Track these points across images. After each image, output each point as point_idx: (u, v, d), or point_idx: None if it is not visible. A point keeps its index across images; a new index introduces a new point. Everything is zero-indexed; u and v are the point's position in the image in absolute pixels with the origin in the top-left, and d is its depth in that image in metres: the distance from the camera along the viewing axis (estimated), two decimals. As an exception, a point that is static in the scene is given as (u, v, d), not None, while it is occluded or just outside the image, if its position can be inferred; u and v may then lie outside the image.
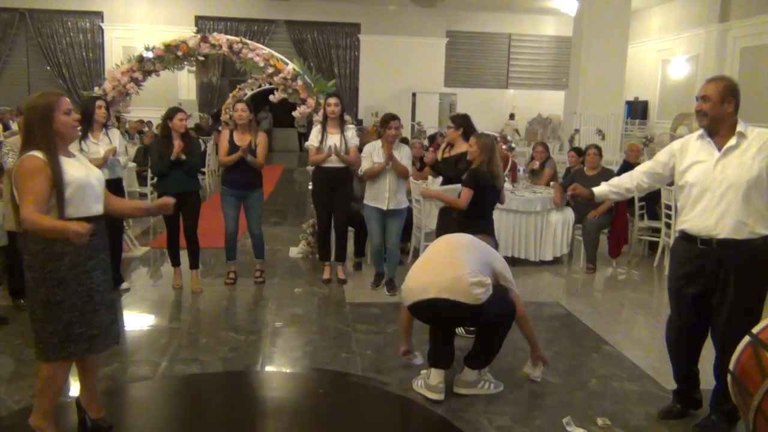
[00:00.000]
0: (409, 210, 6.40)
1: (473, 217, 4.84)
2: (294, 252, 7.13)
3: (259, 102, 15.14)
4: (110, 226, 5.48)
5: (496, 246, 4.75)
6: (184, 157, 5.50)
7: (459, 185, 4.99)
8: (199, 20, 16.17)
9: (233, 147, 5.78)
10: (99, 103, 5.52)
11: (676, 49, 14.54)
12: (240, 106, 5.86)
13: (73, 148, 5.20)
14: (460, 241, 3.95)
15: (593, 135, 11.38)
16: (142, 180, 9.10)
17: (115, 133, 5.71)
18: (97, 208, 3.02)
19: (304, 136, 19.62)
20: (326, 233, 6.25)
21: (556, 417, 3.60)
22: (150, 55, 6.51)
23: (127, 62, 6.60)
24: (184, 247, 5.82)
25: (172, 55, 6.58)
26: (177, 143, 5.50)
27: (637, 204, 7.20)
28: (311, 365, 4.30)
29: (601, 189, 3.80)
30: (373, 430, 3.60)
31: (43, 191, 2.76)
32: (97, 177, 3.05)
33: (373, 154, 5.73)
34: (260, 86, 14.29)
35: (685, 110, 13.53)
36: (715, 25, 13.10)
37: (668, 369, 3.96)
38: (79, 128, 5.28)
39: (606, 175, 6.87)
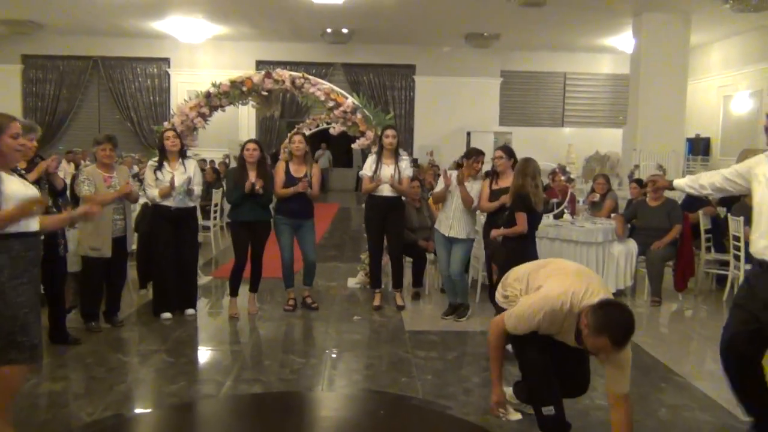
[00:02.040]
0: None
1: (524, 241, 5.04)
2: (352, 282, 7.18)
3: (316, 140, 15.51)
4: (184, 258, 5.71)
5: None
6: (261, 191, 5.64)
7: None
8: (260, 65, 16.69)
9: (289, 178, 5.92)
10: (168, 134, 5.76)
11: (738, 84, 14.25)
12: (297, 137, 6.02)
13: (149, 178, 5.48)
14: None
15: (654, 170, 11.17)
16: (205, 214, 9.37)
17: (191, 163, 5.91)
18: (34, 225, 3.15)
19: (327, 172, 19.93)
20: (377, 261, 6.30)
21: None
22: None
23: (183, 102, 6.89)
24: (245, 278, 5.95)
25: (237, 91, 6.82)
26: (252, 176, 5.65)
27: (703, 236, 7.00)
28: (371, 388, 4.29)
29: (679, 181, 3.92)
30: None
31: None
32: (35, 194, 3.16)
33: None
34: (318, 126, 14.64)
35: (749, 146, 13.17)
36: (778, 60, 12.86)
37: None
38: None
39: (670, 205, 6.75)
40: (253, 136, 16.49)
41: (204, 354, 5.03)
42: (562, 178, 7.74)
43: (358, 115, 6.79)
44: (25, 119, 4.93)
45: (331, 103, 6.83)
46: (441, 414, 3.89)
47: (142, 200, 6.25)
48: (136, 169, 10.01)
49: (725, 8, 11.36)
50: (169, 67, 16.78)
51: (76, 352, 4.83)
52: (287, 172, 5.95)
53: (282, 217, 5.98)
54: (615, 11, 12.86)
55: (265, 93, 6.84)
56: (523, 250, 5.02)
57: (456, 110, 16.69)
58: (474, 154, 5.83)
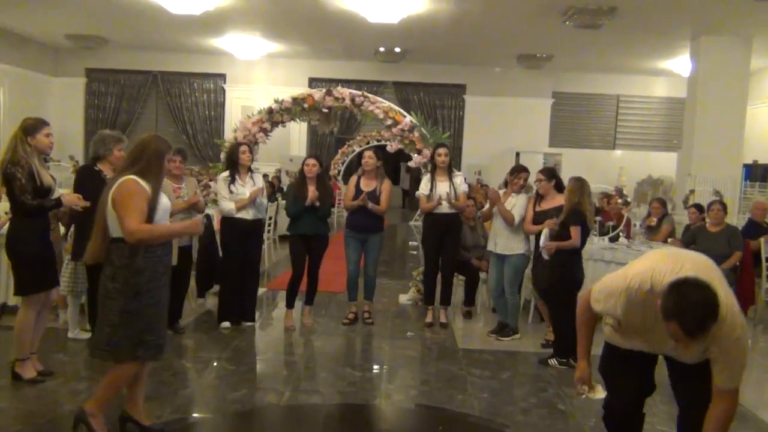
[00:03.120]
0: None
1: (574, 257, 5.21)
2: (404, 299, 7.23)
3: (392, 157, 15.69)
4: (250, 269, 5.86)
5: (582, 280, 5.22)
6: (318, 203, 5.77)
7: None
8: (313, 82, 16.99)
9: (359, 192, 6.05)
10: (243, 148, 5.95)
11: (800, 110, 13.94)
12: (368, 153, 6.14)
13: (223, 191, 5.66)
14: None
15: (709, 196, 10.96)
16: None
17: (259, 177, 6.10)
18: None
19: (407, 193, 20.04)
20: (432, 277, 6.35)
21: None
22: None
23: (246, 117, 7.08)
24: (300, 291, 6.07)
25: (298, 107, 7.00)
26: (311, 190, 5.79)
27: (765, 264, 6.85)
28: (428, 403, 4.32)
29: None
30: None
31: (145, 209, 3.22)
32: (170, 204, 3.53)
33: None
34: (368, 143, 14.83)
35: (809, 173, 12.84)
36: (843, 85, 12.52)
37: None
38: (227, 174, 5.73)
39: (730, 231, 6.65)
40: (304, 151, 16.76)
41: (263, 363, 5.14)
42: (619, 201, 7.68)
43: (416, 134, 6.89)
44: (112, 131, 5.17)
45: (389, 121, 6.95)
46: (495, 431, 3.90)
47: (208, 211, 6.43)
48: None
49: (788, 32, 11.17)
50: (224, 82, 17.19)
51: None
52: (357, 185, 6.08)
53: (350, 231, 6.10)
54: (672, 34, 12.72)
55: (325, 110, 7.00)
56: (571, 266, 5.17)
57: (505, 130, 16.67)
58: (517, 171, 5.94)
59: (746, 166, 14.16)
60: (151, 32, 14.32)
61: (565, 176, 6.41)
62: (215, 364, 4.91)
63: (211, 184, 7.10)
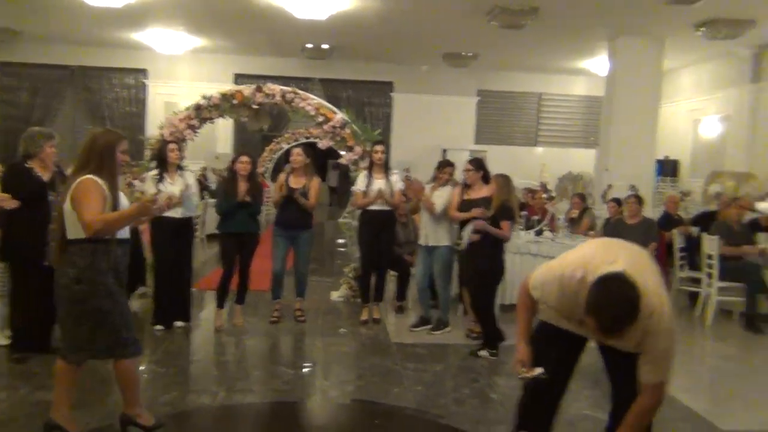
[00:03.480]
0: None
1: (498, 250, 5.46)
2: (335, 296, 7.24)
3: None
4: (181, 269, 5.73)
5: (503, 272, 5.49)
6: (249, 199, 5.70)
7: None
8: (238, 78, 16.69)
9: (287, 189, 6.02)
10: (171, 146, 5.81)
11: (708, 109, 14.70)
12: (296, 150, 6.11)
13: (152, 190, 5.52)
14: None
15: (626, 190, 11.47)
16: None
17: (189, 176, 5.96)
18: (127, 233, 3.46)
19: (334, 190, 20.01)
20: (368, 275, 6.39)
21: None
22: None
23: (172, 114, 6.94)
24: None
25: (227, 104, 6.90)
26: (243, 186, 5.72)
27: (677, 254, 7.24)
28: (365, 398, 4.36)
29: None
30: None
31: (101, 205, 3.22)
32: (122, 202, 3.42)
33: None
34: (296, 140, 14.75)
35: (717, 169, 13.59)
36: (747, 86, 13.28)
37: (720, 411, 4.25)
38: (155, 172, 5.60)
39: (647, 224, 6.98)
40: (230, 149, 16.49)
41: (194, 365, 5.06)
42: (544, 196, 7.94)
43: (347, 130, 6.92)
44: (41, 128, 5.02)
45: (320, 118, 6.95)
46: (436, 423, 3.98)
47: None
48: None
49: (698, 35, 11.78)
50: (146, 78, 16.68)
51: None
52: (286, 183, 6.04)
53: (278, 228, 6.06)
54: (591, 35, 13.20)
55: (255, 107, 6.92)
56: (494, 257, 5.38)
57: (432, 127, 16.88)
58: (442, 165, 6.14)
59: (658, 161, 14.87)
60: (67, 25, 13.73)
61: (491, 173, 6.62)
62: (143, 367, 4.78)
63: (136, 182, 6.92)
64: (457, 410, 4.18)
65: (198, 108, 6.86)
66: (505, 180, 5.44)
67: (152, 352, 5.11)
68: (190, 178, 5.92)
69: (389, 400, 4.32)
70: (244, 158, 5.88)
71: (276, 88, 6.93)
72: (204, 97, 6.88)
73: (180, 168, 5.88)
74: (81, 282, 3.19)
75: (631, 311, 2.38)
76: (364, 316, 6.31)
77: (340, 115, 7.00)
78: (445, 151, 16.65)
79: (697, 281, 7.10)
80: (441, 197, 5.88)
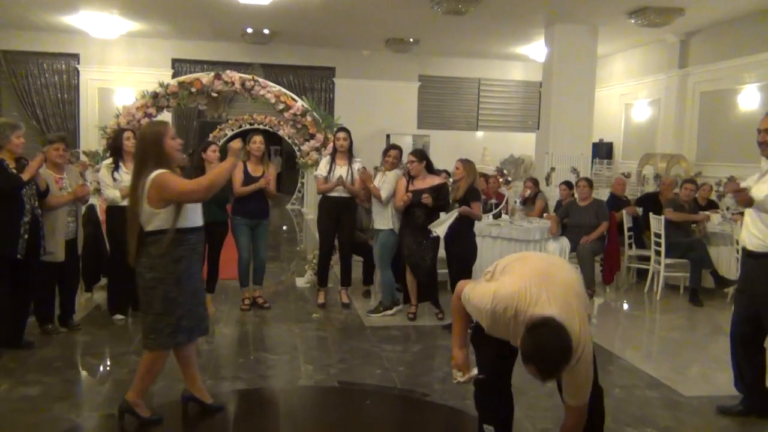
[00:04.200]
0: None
1: (471, 228, 5.82)
2: (301, 282, 7.30)
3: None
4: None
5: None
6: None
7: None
8: (176, 63, 16.33)
9: (248, 177, 6.01)
10: (127, 134, 5.69)
11: (638, 93, 15.38)
12: (258, 138, 6.10)
13: (107, 179, 5.41)
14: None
15: (568, 173, 11.92)
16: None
17: None
18: (201, 220, 3.64)
19: (278, 176, 19.86)
20: (327, 260, 6.48)
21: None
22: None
23: (105, 101, 6.82)
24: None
25: (185, 92, 6.81)
26: None
27: (626, 233, 7.63)
28: (350, 380, 4.47)
29: (759, 197, 3.68)
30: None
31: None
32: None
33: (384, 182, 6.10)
34: (240, 127, 14.58)
35: (649, 151, 14.27)
36: (675, 71, 13.96)
37: (679, 378, 4.55)
38: (110, 161, 5.51)
39: (597, 205, 7.33)
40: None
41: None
42: (501, 179, 8.19)
43: (308, 118, 6.96)
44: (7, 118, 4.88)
45: (281, 106, 6.96)
46: (424, 401, 4.13)
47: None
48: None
49: (630, 22, 12.31)
50: (78, 63, 16.06)
51: (41, 357, 4.72)
52: (245, 171, 6.02)
53: (240, 217, 6.06)
54: (529, 22, 13.56)
55: (214, 94, 6.86)
56: (472, 240, 5.74)
57: (375, 113, 16.98)
58: (387, 150, 6.30)
59: (593, 144, 15.47)
60: (-8, 7, 13.09)
61: (434, 157, 6.86)
62: (125, 358, 4.75)
63: (86, 173, 6.77)
64: (442, 388, 4.34)
65: (155, 96, 6.75)
66: (470, 164, 5.72)
67: (128, 343, 5.07)
68: None
69: (374, 382, 4.45)
70: (213, 146, 5.84)
71: (235, 75, 6.89)
72: (161, 85, 6.76)
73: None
74: (153, 270, 3.35)
75: (566, 356, 2.54)
76: (321, 299, 6.43)
77: (300, 103, 7.02)
78: (388, 136, 16.80)
79: (645, 259, 7.52)
80: (388, 182, 6.01)
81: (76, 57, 16.06)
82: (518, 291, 2.74)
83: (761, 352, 3.93)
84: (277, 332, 5.61)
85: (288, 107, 6.93)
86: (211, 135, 15.23)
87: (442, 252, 5.90)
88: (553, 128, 13.40)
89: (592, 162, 14.85)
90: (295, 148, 12.43)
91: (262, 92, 6.88)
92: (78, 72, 16.16)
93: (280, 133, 7.31)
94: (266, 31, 15.09)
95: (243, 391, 4.21)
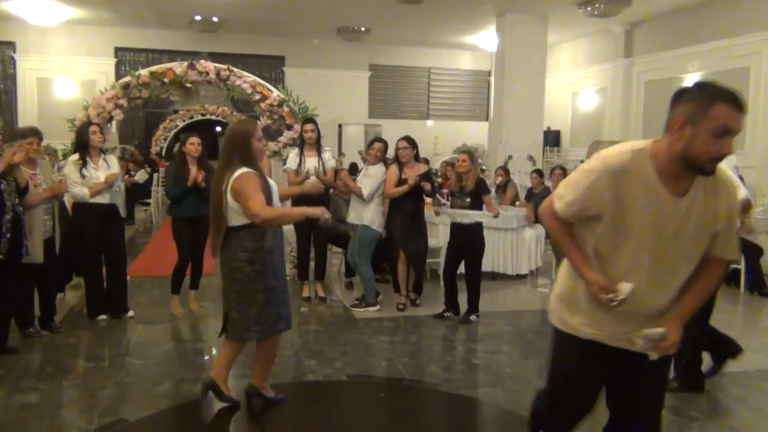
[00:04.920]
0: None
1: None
2: (280, 275, 7.19)
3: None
4: (115, 257, 5.48)
5: None
6: (203, 184, 5.49)
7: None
8: (119, 51, 15.75)
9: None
10: (93, 128, 5.48)
11: (585, 82, 15.80)
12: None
13: (74, 175, 5.18)
14: None
15: (525, 161, 12.18)
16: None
17: (113, 159, 5.65)
18: None
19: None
20: (305, 253, 6.42)
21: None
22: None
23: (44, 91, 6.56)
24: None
25: (158, 82, 6.59)
26: (193, 170, 5.52)
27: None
28: (358, 372, 4.46)
29: None
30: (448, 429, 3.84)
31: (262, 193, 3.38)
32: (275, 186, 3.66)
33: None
34: (192, 118, 14.22)
35: (596, 138, 14.70)
36: (620, 60, 14.41)
37: None
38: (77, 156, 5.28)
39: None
40: (113, 128, 15.55)
41: (169, 355, 4.86)
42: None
43: (285, 109, 6.86)
44: None
45: (257, 96, 6.84)
46: (436, 392, 4.17)
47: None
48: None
49: (579, 12, 12.61)
50: (14, 52, 15.28)
51: (28, 362, 4.52)
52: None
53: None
54: (480, 11, 13.71)
55: (188, 85, 6.67)
56: (481, 230, 5.69)
57: (327, 103, 16.65)
58: (372, 142, 6.27)
59: (543, 132, 15.84)
60: None
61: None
62: (120, 360, 4.59)
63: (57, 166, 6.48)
64: (450, 377, 4.39)
65: (127, 87, 6.51)
66: (475, 156, 5.72)
67: (115, 345, 4.90)
68: (114, 163, 5.60)
69: (381, 373, 4.46)
70: (196, 140, 5.66)
71: (209, 65, 6.72)
72: (133, 75, 6.52)
73: (103, 152, 5.58)
74: (253, 263, 3.42)
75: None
76: (306, 293, 6.38)
77: (276, 93, 6.91)
78: (340, 126, 16.74)
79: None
80: (371, 178, 5.97)
81: (12, 45, 15.28)
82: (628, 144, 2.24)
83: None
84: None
85: (264, 98, 6.81)
86: (161, 126, 14.82)
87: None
88: (506, 117, 13.63)
89: (543, 150, 15.21)
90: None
91: (238, 82, 6.73)
92: (15, 61, 15.39)
93: (259, 123, 7.08)
94: (215, 19, 14.75)
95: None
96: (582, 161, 12.15)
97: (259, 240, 3.44)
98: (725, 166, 2.23)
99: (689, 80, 13.04)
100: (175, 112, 14.69)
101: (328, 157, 6.29)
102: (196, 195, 5.59)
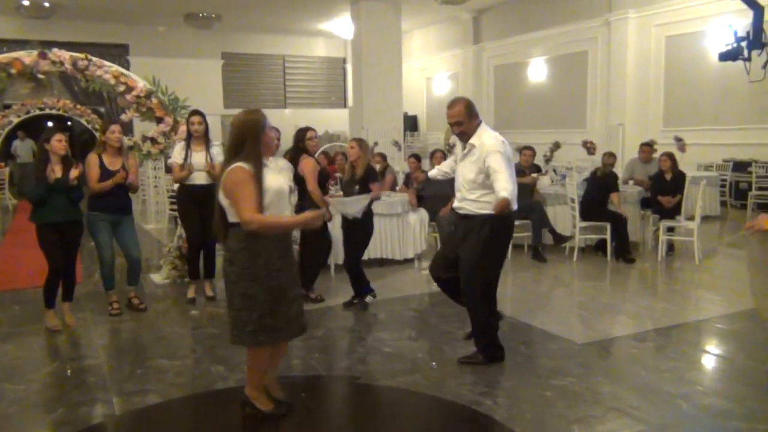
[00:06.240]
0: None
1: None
2: (159, 279, 6.72)
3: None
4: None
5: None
6: (76, 182, 4.96)
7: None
8: (-70, 40, 14.00)
9: (105, 171, 5.35)
10: None
11: (438, 67, 16.30)
12: (116, 128, 5.38)
13: None
14: None
15: (391, 146, 12.35)
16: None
17: None
18: (288, 215, 3.39)
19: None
20: (197, 252, 6.08)
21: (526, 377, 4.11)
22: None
23: None
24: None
25: (4, 74, 5.87)
26: (57, 169, 4.97)
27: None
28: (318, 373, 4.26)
29: (432, 172, 4.99)
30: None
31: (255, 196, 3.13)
32: (286, 185, 3.37)
33: None
34: (28, 112, 12.92)
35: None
36: (470, 47, 15.01)
37: (565, 329, 5.01)
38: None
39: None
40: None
41: (56, 375, 4.34)
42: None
43: (154, 100, 6.39)
44: None
45: (122, 87, 6.32)
46: (356, 384, 4.08)
47: None
48: None
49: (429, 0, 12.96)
50: None
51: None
52: (101, 165, 5.35)
53: (99, 213, 5.38)
54: (333, -2, 13.70)
55: (41, 76, 6.00)
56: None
57: (178, 93, 15.96)
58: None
59: (400, 117, 16.17)
60: None
61: None
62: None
63: None
64: (367, 369, 4.33)
65: (-33, 79, 5.73)
66: (365, 143, 5.67)
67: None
68: None
69: (298, 372, 4.30)
70: (60, 136, 5.09)
71: (64, 54, 6.10)
72: (-26, 67, 5.76)
73: None
74: (233, 264, 3.23)
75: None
76: (191, 294, 6.04)
77: (142, 83, 6.42)
78: (193, 117, 16.02)
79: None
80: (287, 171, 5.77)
81: None
82: None
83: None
84: (164, 335, 5.12)
85: (130, 89, 6.29)
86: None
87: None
88: (366, 103, 13.73)
89: (405, 135, 15.52)
90: (97, 134, 11.31)
91: (99, 72, 6.17)
92: None
93: (122, 117, 6.56)
94: (46, 4, 13.51)
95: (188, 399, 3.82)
96: (450, 146, 12.42)
97: (242, 241, 3.21)
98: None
99: (534, 64, 13.84)
100: (7, 107, 13.25)
101: (217, 151, 5.93)
102: (63, 196, 5.05)
